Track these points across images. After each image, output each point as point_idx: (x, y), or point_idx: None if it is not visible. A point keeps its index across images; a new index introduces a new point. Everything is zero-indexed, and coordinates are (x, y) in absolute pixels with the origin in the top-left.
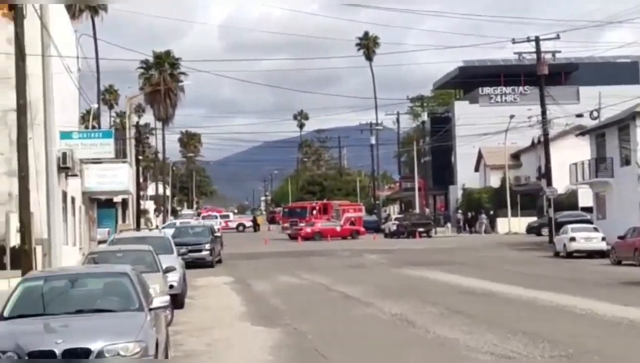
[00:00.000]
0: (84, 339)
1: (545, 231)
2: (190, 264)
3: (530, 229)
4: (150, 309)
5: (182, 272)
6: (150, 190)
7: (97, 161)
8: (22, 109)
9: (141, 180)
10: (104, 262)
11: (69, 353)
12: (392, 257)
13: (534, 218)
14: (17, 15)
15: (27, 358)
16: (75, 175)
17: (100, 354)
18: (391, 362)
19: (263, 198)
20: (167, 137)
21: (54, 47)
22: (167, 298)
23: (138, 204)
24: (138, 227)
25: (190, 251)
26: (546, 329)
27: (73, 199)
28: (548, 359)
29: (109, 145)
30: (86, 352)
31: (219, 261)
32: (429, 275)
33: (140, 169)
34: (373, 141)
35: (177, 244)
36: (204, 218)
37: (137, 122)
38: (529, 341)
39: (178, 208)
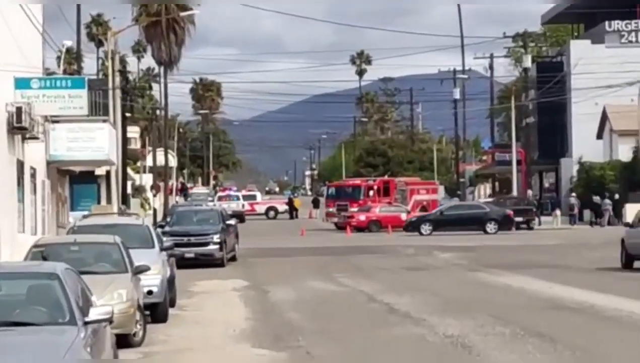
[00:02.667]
0: None
1: None
2: (193, 263)
3: None
4: (87, 323)
5: (165, 274)
6: (151, 160)
7: (68, 119)
8: None
9: (138, 145)
10: (56, 257)
11: None
12: (472, 257)
13: None
14: None
15: None
16: (36, 138)
17: None
18: None
19: (308, 172)
20: (175, 88)
21: None
22: (109, 309)
23: (124, 178)
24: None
25: (193, 244)
26: None
27: (33, 171)
28: None
29: (81, 97)
30: None
31: (233, 259)
32: (514, 282)
33: (139, 131)
34: (457, 95)
35: (175, 235)
36: (220, 199)
37: (124, 67)
38: None
39: (189, 184)
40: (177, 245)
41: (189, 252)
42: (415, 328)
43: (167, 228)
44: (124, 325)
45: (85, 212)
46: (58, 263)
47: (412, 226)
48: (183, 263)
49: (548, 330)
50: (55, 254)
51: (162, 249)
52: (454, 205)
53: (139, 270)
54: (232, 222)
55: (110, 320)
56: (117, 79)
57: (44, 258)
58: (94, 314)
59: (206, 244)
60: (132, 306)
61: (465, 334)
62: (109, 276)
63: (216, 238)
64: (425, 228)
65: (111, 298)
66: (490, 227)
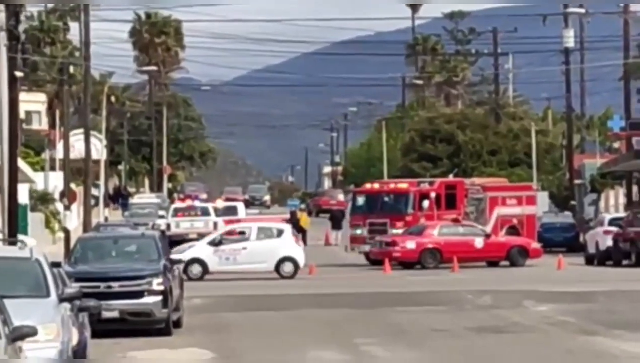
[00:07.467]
0: None
1: None
2: (116, 327)
3: None
4: None
5: (69, 339)
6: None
7: None
8: None
9: (45, 125)
10: None
11: None
12: (588, 310)
13: None
14: None
15: None
16: None
17: None
18: None
19: (328, 169)
20: (107, 29)
21: None
22: None
23: (14, 179)
24: (12, 233)
25: (117, 295)
26: None
27: None
28: None
29: None
30: None
31: (177, 323)
32: None
33: (46, 100)
34: (571, 42)
35: (84, 279)
36: (178, 213)
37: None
38: None
39: (131, 189)
40: (88, 296)
41: (110, 309)
42: None
43: (67, 268)
44: None
45: None
46: None
47: None
48: (100, 328)
49: None
50: None
51: (62, 299)
52: None
53: (20, 335)
54: (178, 256)
55: None
56: (1, 15)
57: None
58: None
59: (139, 294)
60: None
61: None
62: None
63: (156, 283)
64: None
65: None
66: None
